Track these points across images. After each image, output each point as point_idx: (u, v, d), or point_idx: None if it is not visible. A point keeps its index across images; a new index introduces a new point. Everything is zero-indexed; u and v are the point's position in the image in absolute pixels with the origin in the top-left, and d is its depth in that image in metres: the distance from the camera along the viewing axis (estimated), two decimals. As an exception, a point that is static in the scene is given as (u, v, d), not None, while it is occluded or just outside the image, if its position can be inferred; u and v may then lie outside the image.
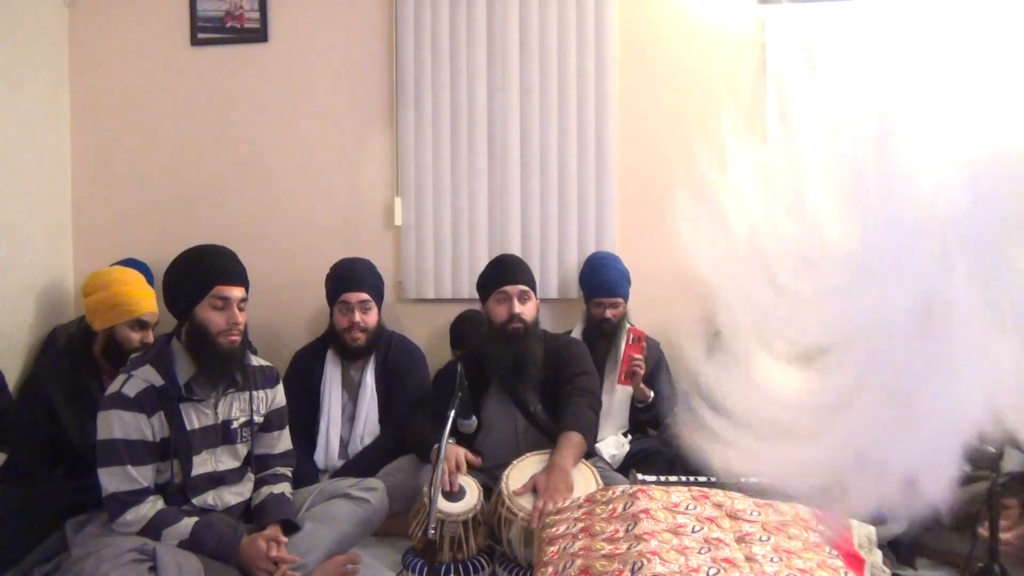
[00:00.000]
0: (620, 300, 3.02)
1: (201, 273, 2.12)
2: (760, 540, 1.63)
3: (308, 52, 3.44)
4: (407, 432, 2.65)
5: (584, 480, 2.27)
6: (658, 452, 2.70)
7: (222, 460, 2.17)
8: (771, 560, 1.53)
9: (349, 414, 2.85)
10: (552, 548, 1.70)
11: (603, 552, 1.59)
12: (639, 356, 2.79)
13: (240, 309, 2.14)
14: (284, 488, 2.28)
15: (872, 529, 1.91)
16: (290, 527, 2.16)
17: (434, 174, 3.36)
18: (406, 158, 3.37)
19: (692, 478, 2.28)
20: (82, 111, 3.48)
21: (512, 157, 3.33)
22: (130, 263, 3.04)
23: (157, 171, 3.49)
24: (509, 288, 2.60)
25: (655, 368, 3.07)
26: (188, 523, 2.01)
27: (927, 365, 0.90)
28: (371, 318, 2.85)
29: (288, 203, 3.46)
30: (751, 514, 1.73)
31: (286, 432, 2.38)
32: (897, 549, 2.31)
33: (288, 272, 3.38)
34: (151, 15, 3.46)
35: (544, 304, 2.77)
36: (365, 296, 2.83)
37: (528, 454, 2.39)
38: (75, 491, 2.25)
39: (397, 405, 2.83)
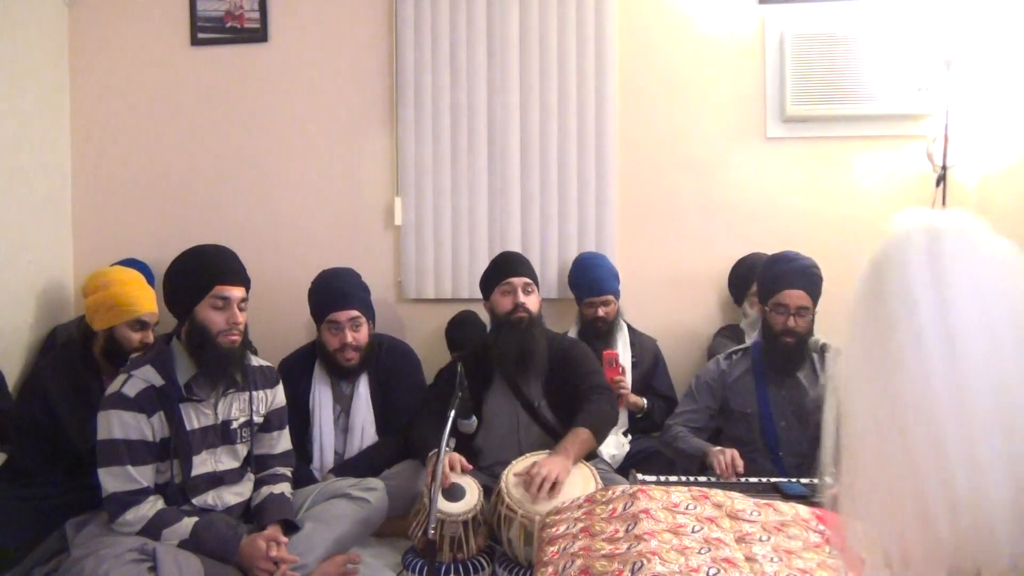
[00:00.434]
0: (611, 298, 3.03)
1: (201, 273, 2.12)
2: (760, 540, 1.62)
3: (308, 52, 3.44)
4: (407, 433, 2.64)
5: (584, 480, 2.26)
6: (658, 452, 2.72)
7: (222, 460, 2.18)
8: (771, 560, 1.53)
9: (343, 426, 2.73)
10: (552, 548, 1.70)
11: (603, 552, 1.59)
12: (620, 377, 2.83)
13: (240, 309, 2.14)
14: (284, 488, 2.28)
15: None
16: (290, 527, 2.17)
17: (434, 174, 3.36)
18: (406, 158, 3.37)
19: (692, 478, 2.29)
20: (82, 111, 3.48)
21: (512, 157, 3.33)
22: (130, 263, 3.04)
23: (157, 171, 3.49)
24: (514, 280, 2.62)
25: (652, 366, 3.08)
26: (188, 523, 2.01)
27: None
28: (362, 335, 2.69)
29: (288, 203, 3.46)
30: (751, 514, 1.73)
31: (286, 432, 2.38)
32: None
33: (288, 272, 3.38)
34: (151, 15, 3.46)
35: (544, 304, 2.77)
36: (355, 313, 2.67)
37: (528, 454, 2.39)
38: (75, 491, 2.25)
39: (395, 410, 2.75)
